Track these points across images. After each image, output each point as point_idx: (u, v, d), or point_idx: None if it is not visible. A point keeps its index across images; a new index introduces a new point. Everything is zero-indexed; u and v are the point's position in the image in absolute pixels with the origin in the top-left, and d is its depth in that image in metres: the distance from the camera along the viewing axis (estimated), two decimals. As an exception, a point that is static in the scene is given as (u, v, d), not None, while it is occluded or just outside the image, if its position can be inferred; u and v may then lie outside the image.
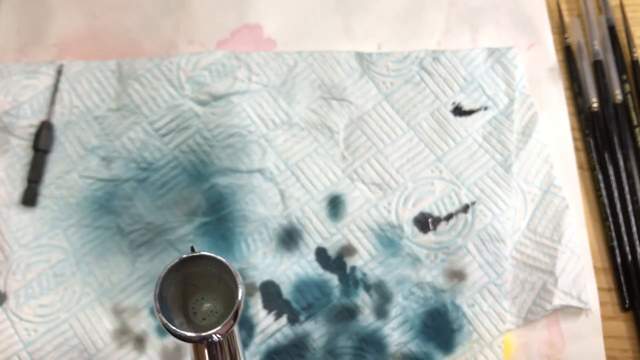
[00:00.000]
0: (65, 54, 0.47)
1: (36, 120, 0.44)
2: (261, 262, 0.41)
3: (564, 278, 0.40)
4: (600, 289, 0.41)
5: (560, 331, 0.39)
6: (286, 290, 0.40)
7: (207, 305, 0.22)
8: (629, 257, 0.41)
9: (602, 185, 0.43)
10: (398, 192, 0.42)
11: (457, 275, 0.40)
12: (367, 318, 0.39)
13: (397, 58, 0.46)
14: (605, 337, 0.39)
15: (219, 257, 0.22)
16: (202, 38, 0.47)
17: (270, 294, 0.40)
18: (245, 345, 0.39)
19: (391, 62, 0.46)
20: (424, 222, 0.41)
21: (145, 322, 0.39)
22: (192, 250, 0.21)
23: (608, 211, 0.42)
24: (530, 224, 0.41)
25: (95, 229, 0.41)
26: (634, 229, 0.42)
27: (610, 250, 0.42)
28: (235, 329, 0.21)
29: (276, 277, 0.40)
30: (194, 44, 0.47)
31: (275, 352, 0.38)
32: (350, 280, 0.40)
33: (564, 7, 0.49)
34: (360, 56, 0.46)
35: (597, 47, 0.47)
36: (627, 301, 0.40)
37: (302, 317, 0.39)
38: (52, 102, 0.45)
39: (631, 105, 0.45)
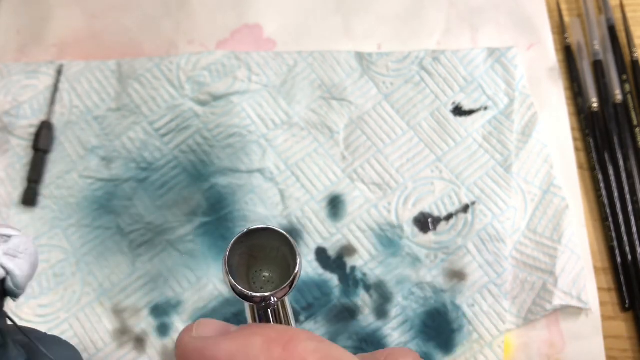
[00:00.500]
0: (65, 54, 0.47)
1: (36, 120, 0.44)
2: (261, 262, 0.41)
3: (564, 278, 0.40)
4: (600, 289, 0.40)
5: (560, 331, 0.39)
6: (286, 290, 0.40)
7: (265, 275, 0.24)
8: (629, 257, 0.41)
9: (602, 185, 0.43)
10: (398, 192, 0.42)
11: (457, 275, 0.40)
12: (367, 318, 0.39)
13: (397, 58, 0.46)
14: (605, 337, 0.39)
15: (280, 230, 0.24)
16: (202, 38, 0.47)
17: (270, 294, 0.40)
18: (245, 345, 0.39)
19: (391, 62, 0.46)
20: (424, 222, 0.41)
21: (145, 322, 0.39)
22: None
23: (608, 211, 0.42)
24: (530, 224, 0.41)
25: (95, 229, 0.41)
26: (634, 229, 0.42)
27: (610, 250, 0.42)
28: (288, 300, 0.23)
29: (276, 277, 0.40)
30: (194, 44, 0.47)
31: (275, 352, 0.38)
32: (350, 280, 0.40)
33: (564, 7, 0.49)
34: (360, 56, 0.46)
35: (597, 47, 0.47)
36: (627, 301, 0.40)
37: (302, 317, 0.39)
38: (52, 102, 0.45)
39: (631, 105, 0.45)
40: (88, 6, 0.49)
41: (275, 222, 0.41)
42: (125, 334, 0.39)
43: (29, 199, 0.42)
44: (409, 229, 0.41)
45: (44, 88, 0.45)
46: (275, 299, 0.22)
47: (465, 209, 0.42)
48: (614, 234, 0.42)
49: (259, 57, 0.46)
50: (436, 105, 0.44)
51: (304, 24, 0.48)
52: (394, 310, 0.39)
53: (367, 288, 0.40)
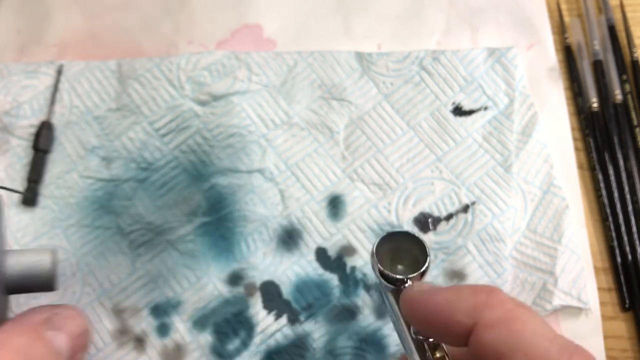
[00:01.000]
0: (65, 54, 0.47)
1: (36, 120, 0.44)
2: (261, 262, 0.41)
3: (564, 278, 0.40)
4: (600, 289, 0.41)
5: (560, 331, 0.39)
6: (286, 290, 0.40)
7: (399, 268, 0.30)
8: (629, 257, 0.41)
9: (602, 185, 0.43)
10: (398, 192, 0.42)
11: (457, 275, 0.40)
12: (367, 318, 0.39)
13: (397, 58, 0.46)
14: (605, 337, 0.39)
15: (412, 233, 0.31)
16: (202, 38, 0.47)
17: (270, 294, 0.40)
18: (245, 345, 0.39)
19: (391, 62, 0.46)
20: (424, 222, 0.41)
21: (145, 322, 0.39)
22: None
23: (608, 211, 0.42)
24: (530, 224, 0.41)
25: (95, 229, 0.41)
26: (634, 229, 0.42)
27: (610, 250, 0.42)
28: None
29: (276, 277, 0.40)
30: (194, 44, 0.47)
31: (275, 352, 0.38)
32: (350, 280, 0.40)
33: (564, 7, 0.49)
34: (360, 56, 0.46)
35: (597, 47, 0.47)
36: (627, 301, 0.40)
37: (302, 317, 0.39)
38: (52, 102, 0.45)
39: (631, 105, 0.45)
40: (88, 6, 0.49)
41: (275, 222, 0.41)
42: (125, 334, 0.39)
43: (29, 199, 0.42)
44: (409, 228, 0.41)
45: (44, 88, 0.45)
46: (410, 282, 0.29)
47: (465, 209, 0.42)
48: (614, 234, 0.42)
49: (259, 57, 0.46)
50: (436, 105, 0.44)
51: (304, 24, 0.48)
52: (394, 310, 0.39)
53: (367, 288, 0.40)
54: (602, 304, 0.40)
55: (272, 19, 0.48)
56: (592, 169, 0.44)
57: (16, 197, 0.42)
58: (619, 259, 0.41)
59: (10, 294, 0.23)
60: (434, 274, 0.40)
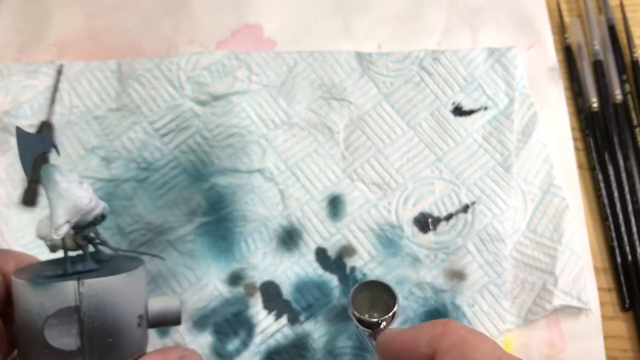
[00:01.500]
0: (65, 54, 0.47)
1: (36, 120, 0.44)
2: (261, 262, 0.41)
3: (564, 278, 0.40)
4: (600, 289, 0.41)
5: (560, 331, 0.39)
6: (286, 291, 0.40)
7: (374, 315, 0.35)
8: (629, 257, 0.41)
9: (602, 185, 0.43)
10: (398, 192, 0.42)
11: (457, 275, 0.40)
12: (367, 318, 0.39)
13: (397, 58, 0.46)
14: (605, 337, 0.39)
15: (382, 281, 0.36)
16: (202, 38, 0.47)
17: (270, 294, 0.40)
18: (245, 345, 0.39)
19: (391, 62, 0.46)
20: (424, 222, 0.41)
21: (145, 322, 0.39)
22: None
23: (608, 211, 0.42)
24: (530, 224, 0.41)
25: (95, 229, 0.41)
26: (634, 229, 0.42)
27: (610, 250, 0.42)
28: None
29: (276, 277, 0.40)
30: (194, 44, 0.47)
31: (275, 352, 0.38)
32: (350, 281, 0.40)
33: (564, 7, 0.49)
34: (360, 56, 0.46)
35: (597, 47, 0.47)
36: (627, 301, 0.40)
37: (302, 317, 0.39)
38: (52, 102, 0.45)
39: (631, 105, 0.45)
40: (88, 6, 0.49)
41: (275, 222, 0.41)
42: (125, 334, 0.39)
43: (29, 199, 0.42)
44: (409, 229, 0.41)
45: (44, 88, 0.45)
46: (385, 324, 0.33)
47: (465, 209, 0.42)
48: (614, 234, 0.42)
49: (259, 57, 0.46)
50: (436, 105, 0.44)
51: (304, 24, 0.48)
52: (394, 310, 0.39)
53: (367, 288, 0.40)
54: (602, 304, 0.40)
55: (272, 19, 0.48)
56: (592, 169, 0.44)
57: (16, 197, 0.42)
58: (619, 259, 0.41)
59: (150, 327, 0.29)
60: (434, 274, 0.40)
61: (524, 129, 0.44)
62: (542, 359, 0.39)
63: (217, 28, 0.48)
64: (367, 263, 0.40)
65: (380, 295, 0.36)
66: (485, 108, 0.44)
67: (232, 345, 0.39)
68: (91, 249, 0.30)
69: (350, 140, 0.44)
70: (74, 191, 0.29)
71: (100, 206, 0.30)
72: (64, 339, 0.26)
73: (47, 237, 0.30)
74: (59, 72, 0.45)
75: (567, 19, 0.49)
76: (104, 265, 0.30)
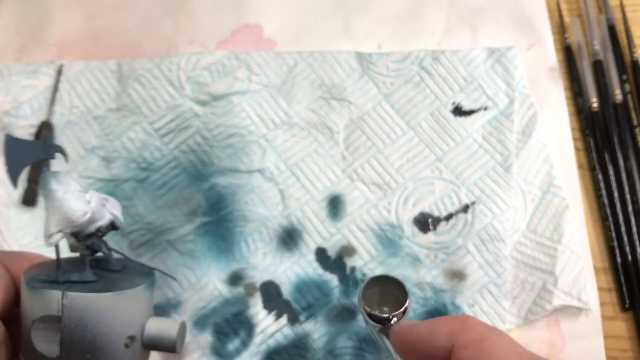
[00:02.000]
0: (65, 54, 0.47)
1: (36, 120, 0.44)
2: (261, 262, 0.41)
3: (564, 278, 0.40)
4: (600, 289, 0.41)
5: (560, 331, 0.39)
6: (286, 291, 0.40)
7: (384, 309, 0.34)
8: (629, 257, 0.41)
9: (602, 185, 0.43)
10: (398, 192, 0.42)
11: (457, 275, 0.40)
12: (367, 318, 0.39)
13: (397, 58, 0.46)
14: (605, 337, 0.39)
15: (393, 276, 0.35)
16: (202, 38, 0.47)
17: (270, 294, 0.40)
18: (245, 345, 0.39)
19: (391, 62, 0.46)
20: (424, 222, 0.41)
21: (145, 322, 0.39)
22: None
23: (608, 211, 0.42)
24: (530, 224, 0.41)
25: (95, 229, 0.41)
26: (634, 229, 0.42)
27: (610, 250, 0.42)
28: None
29: (276, 277, 0.40)
30: (194, 44, 0.47)
31: (275, 352, 0.38)
32: (350, 281, 0.40)
33: (564, 7, 0.49)
34: (360, 56, 0.46)
35: (597, 47, 0.47)
36: (627, 301, 0.40)
37: (302, 317, 0.39)
38: (52, 102, 0.45)
39: (631, 105, 0.45)
40: (88, 6, 0.49)
41: (275, 222, 0.41)
42: (125, 334, 0.39)
43: (29, 199, 0.42)
44: (409, 229, 0.41)
45: (44, 88, 0.45)
46: (396, 319, 0.33)
47: (465, 209, 0.42)
48: (614, 234, 0.42)
49: (259, 57, 0.46)
50: (436, 105, 0.44)
51: (304, 24, 0.48)
52: (394, 310, 0.39)
53: (367, 288, 0.40)
54: (602, 304, 0.40)
55: (272, 19, 0.48)
56: (592, 169, 0.44)
57: (16, 197, 0.42)
58: (619, 259, 0.41)
59: (146, 349, 0.29)
60: (434, 274, 0.40)
61: (524, 129, 0.44)
62: (542, 359, 0.39)
63: (217, 28, 0.48)
64: (367, 263, 0.40)
65: (390, 290, 0.35)
66: (485, 108, 0.44)
67: (232, 345, 0.39)
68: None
69: (350, 140, 0.44)
70: (68, 202, 0.28)
71: (106, 218, 0.30)
72: (47, 344, 0.26)
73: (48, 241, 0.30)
74: (59, 72, 0.45)
75: (567, 19, 0.49)
76: (107, 277, 0.29)
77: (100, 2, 0.49)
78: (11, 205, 0.42)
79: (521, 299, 0.40)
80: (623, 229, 0.42)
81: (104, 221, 0.30)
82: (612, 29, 0.47)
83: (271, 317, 0.39)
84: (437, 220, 0.41)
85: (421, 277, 0.40)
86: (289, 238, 0.41)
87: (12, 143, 0.27)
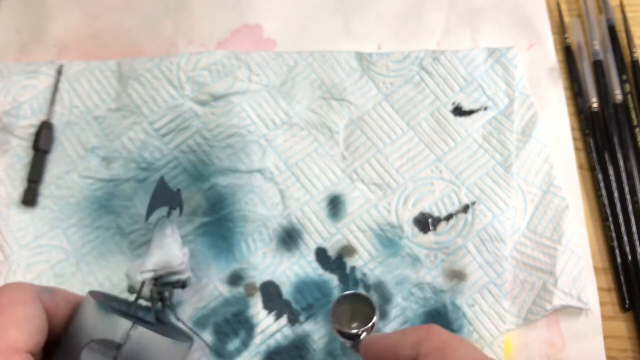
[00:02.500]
0: (65, 54, 0.47)
1: (36, 120, 0.44)
2: (261, 262, 0.41)
3: (564, 278, 0.40)
4: (600, 289, 0.41)
5: (560, 331, 0.39)
6: (286, 291, 0.40)
7: (354, 325, 0.36)
8: (629, 257, 0.41)
9: (602, 185, 0.43)
10: (398, 192, 0.42)
11: (457, 275, 0.40)
12: (367, 318, 0.39)
13: (397, 58, 0.46)
14: (605, 337, 0.39)
15: (361, 293, 0.37)
16: (202, 38, 0.47)
17: (270, 294, 0.40)
18: (245, 345, 0.39)
19: (391, 62, 0.46)
20: (424, 222, 0.41)
21: (145, 322, 0.39)
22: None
23: (608, 211, 0.42)
24: (530, 224, 0.41)
25: (95, 229, 0.41)
26: (634, 229, 0.42)
27: (610, 250, 0.42)
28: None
29: (276, 277, 0.40)
30: (194, 44, 0.47)
31: (275, 352, 0.38)
32: (350, 281, 0.40)
33: (564, 7, 0.49)
34: (360, 56, 0.46)
35: (597, 47, 0.47)
36: (627, 301, 0.40)
37: (302, 318, 0.39)
38: (52, 102, 0.45)
39: (631, 105, 0.45)
40: (88, 6, 0.49)
41: (275, 222, 0.41)
42: (125, 334, 0.39)
43: (29, 199, 0.42)
44: (409, 229, 0.41)
45: (44, 88, 0.45)
46: (365, 334, 0.35)
47: (465, 209, 0.42)
48: (614, 234, 0.42)
49: (259, 57, 0.46)
50: (436, 105, 0.44)
51: (304, 24, 0.48)
52: (393, 311, 0.39)
53: (367, 288, 0.40)
54: (602, 304, 0.40)
55: (272, 19, 0.48)
56: (592, 169, 0.44)
57: (16, 197, 0.42)
58: (619, 259, 0.41)
59: None
60: (434, 274, 0.40)
61: (524, 129, 0.44)
62: (542, 359, 0.39)
63: (217, 28, 0.48)
64: (367, 263, 0.40)
65: (359, 307, 0.37)
66: (485, 108, 0.44)
67: (232, 345, 0.39)
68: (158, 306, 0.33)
69: (350, 140, 0.44)
70: (173, 249, 0.33)
71: (186, 274, 0.34)
72: None
73: (132, 277, 0.33)
74: (59, 72, 0.45)
75: (567, 19, 0.49)
76: (162, 326, 0.32)
77: (100, 2, 0.49)
78: (11, 205, 0.42)
79: (521, 299, 0.40)
80: (623, 229, 0.42)
81: (184, 276, 0.34)
82: (612, 29, 0.47)
83: (271, 317, 0.39)
84: (437, 220, 0.41)
85: (421, 277, 0.40)
86: (289, 238, 0.41)
87: (161, 185, 0.32)
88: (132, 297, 0.33)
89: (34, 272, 0.40)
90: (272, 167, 0.43)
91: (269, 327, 0.39)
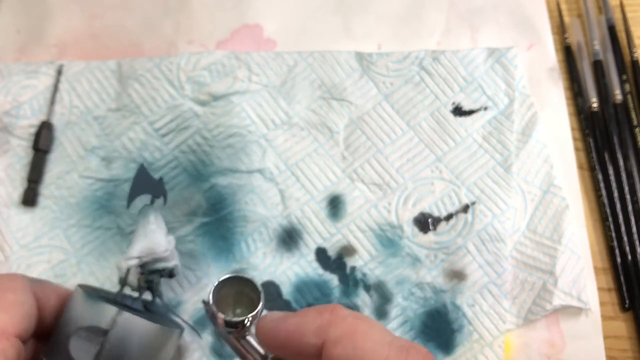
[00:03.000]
0: (65, 54, 0.47)
1: (36, 120, 0.44)
2: (261, 262, 0.41)
3: (564, 278, 0.40)
4: (600, 289, 0.41)
5: (560, 331, 0.39)
6: (286, 291, 0.40)
7: (237, 312, 0.31)
8: (629, 257, 0.41)
9: (602, 185, 0.43)
10: (398, 192, 0.42)
11: (457, 275, 0.40)
12: (367, 318, 0.39)
13: (397, 58, 0.46)
14: (605, 337, 0.39)
15: (243, 275, 0.31)
16: (202, 38, 0.47)
17: (271, 294, 0.40)
18: (245, 345, 0.39)
19: (391, 62, 0.46)
20: (424, 222, 0.41)
21: (145, 322, 0.39)
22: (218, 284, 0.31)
23: (608, 211, 0.42)
24: (530, 224, 0.41)
25: (95, 229, 0.41)
26: (634, 229, 0.42)
27: (610, 250, 0.42)
28: (252, 330, 0.30)
29: (276, 277, 0.40)
30: (194, 44, 0.47)
31: (275, 352, 0.38)
32: (350, 281, 0.40)
33: (564, 7, 0.49)
34: (360, 56, 0.46)
35: (597, 47, 0.47)
36: (627, 301, 0.40)
37: (302, 317, 0.39)
38: (52, 102, 0.45)
39: (631, 105, 0.45)
40: (88, 6, 0.49)
41: (275, 222, 0.41)
42: (125, 334, 0.39)
43: (29, 199, 0.42)
44: (409, 229, 0.41)
45: (44, 88, 0.45)
46: (249, 323, 0.29)
47: (465, 209, 0.42)
48: (614, 234, 0.42)
49: (259, 57, 0.46)
50: (436, 105, 0.44)
51: (304, 24, 0.48)
52: (394, 311, 0.39)
53: (367, 288, 0.40)
54: (602, 304, 0.40)
55: (272, 19, 0.48)
56: (592, 169, 0.44)
57: (16, 197, 0.42)
58: (619, 259, 0.41)
59: None
60: (434, 274, 0.40)
61: (524, 129, 0.44)
62: (542, 358, 0.39)
63: (217, 28, 0.48)
64: (367, 263, 0.40)
65: (242, 290, 0.32)
66: (485, 108, 0.44)
67: (232, 345, 0.39)
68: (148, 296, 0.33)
69: (350, 140, 0.44)
70: (157, 236, 0.33)
71: (172, 262, 0.34)
72: (83, 354, 0.28)
73: (121, 268, 0.34)
74: (59, 72, 0.45)
75: (567, 19, 0.49)
76: (150, 314, 0.32)
77: (100, 2, 0.49)
78: (11, 205, 0.42)
79: (521, 299, 0.40)
80: (623, 229, 0.42)
81: (170, 264, 0.34)
82: (612, 29, 0.47)
83: (271, 317, 0.39)
84: (437, 220, 0.41)
85: (421, 277, 0.40)
86: (289, 238, 0.41)
87: (142, 173, 0.33)
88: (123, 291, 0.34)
89: (34, 272, 0.40)
90: (272, 167, 0.43)
91: (269, 327, 0.39)
